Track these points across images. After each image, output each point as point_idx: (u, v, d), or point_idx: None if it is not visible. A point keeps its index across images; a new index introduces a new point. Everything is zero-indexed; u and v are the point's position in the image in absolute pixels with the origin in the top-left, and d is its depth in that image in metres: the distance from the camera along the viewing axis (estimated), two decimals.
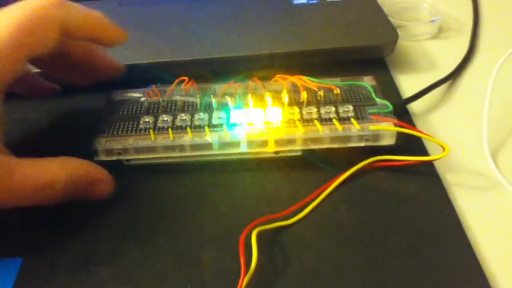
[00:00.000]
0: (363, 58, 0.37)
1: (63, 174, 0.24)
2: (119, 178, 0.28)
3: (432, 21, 0.43)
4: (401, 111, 0.34)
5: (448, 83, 0.38)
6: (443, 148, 0.28)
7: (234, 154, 0.29)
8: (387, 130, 0.28)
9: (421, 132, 0.29)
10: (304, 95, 0.30)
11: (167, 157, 0.29)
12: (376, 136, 0.29)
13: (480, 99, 0.35)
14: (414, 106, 0.36)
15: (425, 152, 0.31)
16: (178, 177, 0.30)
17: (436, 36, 0.44)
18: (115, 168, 0.28)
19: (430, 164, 0.30)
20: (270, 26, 0.40)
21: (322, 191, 0.28)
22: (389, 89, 0.36)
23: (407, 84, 0.38)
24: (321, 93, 0.30)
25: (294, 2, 0.42)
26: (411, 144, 0.30)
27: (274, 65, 0.36)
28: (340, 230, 0.26)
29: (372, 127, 0.28)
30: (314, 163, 0.30)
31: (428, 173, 0.30)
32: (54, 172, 0.24)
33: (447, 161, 0.30)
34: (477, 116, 0.34)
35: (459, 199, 0.28)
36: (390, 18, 0.41)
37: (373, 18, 0.40)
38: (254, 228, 0.25)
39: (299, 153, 0.29)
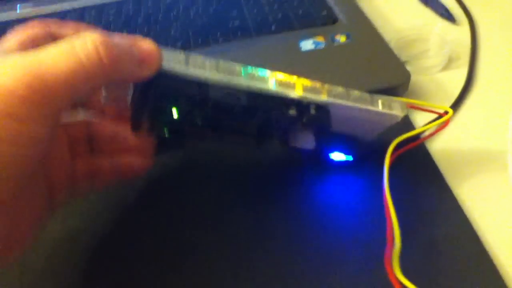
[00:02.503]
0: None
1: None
2: None
3: (441, 54, 0.43)
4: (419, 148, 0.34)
5: (460, 113, 0.38)
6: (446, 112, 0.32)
7: (262, 89, 0.27)
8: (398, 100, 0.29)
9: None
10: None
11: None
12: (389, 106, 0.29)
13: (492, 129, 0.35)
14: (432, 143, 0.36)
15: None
16: None
17: (447, 66, 0.44)
18: None
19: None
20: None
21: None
22: (405, 126, 0.37)
23: (423, 119, 0.38)
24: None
25: (302, 49, 0.42)
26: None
27: None
28: None
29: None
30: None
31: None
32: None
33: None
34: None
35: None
36: (398, 54, 0.41)
37: (382, 58, 0.40)
38: None
39: (322, 101, 0.28)
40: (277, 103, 0.28)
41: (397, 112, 0.29)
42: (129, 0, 0.54)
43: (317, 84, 0.28)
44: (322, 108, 0.28)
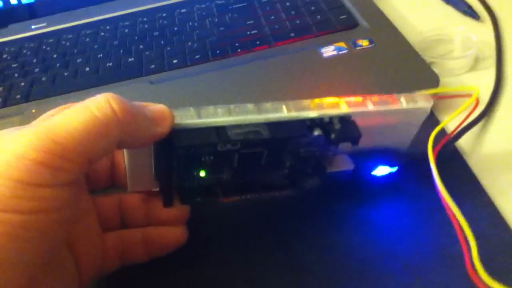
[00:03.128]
0: None
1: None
2: None
3: (467, 54, 0.42)
4: (450, 150, 0.33)
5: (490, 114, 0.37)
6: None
7: (279, 118, 0.26)
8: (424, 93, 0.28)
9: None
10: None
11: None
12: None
13: None
14: (462, 143, 0.35)
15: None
16: None
17: (474, 67, 0.42)
18: None
19: None
20: (301, 82, 0.39)
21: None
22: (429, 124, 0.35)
23: (452, 122, 0.37)
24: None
25: (324, 55, 0.41)
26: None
27: None
28: None
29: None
30: None
31: None
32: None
33: None
34: None
35: None
36: (422, 55, 0.40)
37: (409, 61, 0.39)
38: None
39: (344, 113, 0.27)
40: (299, 128, 0.27)
41: (423, 104, 0.28)
42: (142, 13, 0.54)
43: (333, 99, 0.27)
44: (346, 120, 0.27)
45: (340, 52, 0.42)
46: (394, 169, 0.31)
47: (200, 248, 0.30)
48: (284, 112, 0.27)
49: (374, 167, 0.31)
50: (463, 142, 0.35)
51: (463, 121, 0.34)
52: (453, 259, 0.27)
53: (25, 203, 0.20)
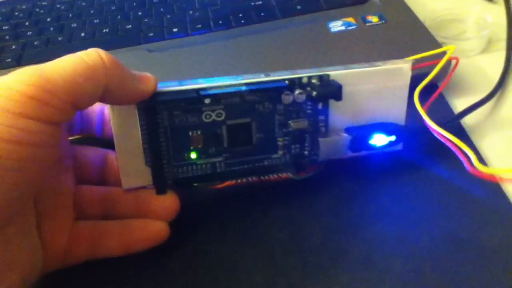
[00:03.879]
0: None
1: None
2: None
3: (481, 36, 0.40)
4: (454, 126, 0.33)
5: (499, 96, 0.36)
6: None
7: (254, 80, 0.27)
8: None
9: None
10: None
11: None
12: None
13: None
14: (468, 121, 0.34)
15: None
16: None
17: (487, 49, 0.41)
18: None
19: None
20: (306, 56, 0.38)
21: None
22: (441, 107, 0.35)
23: (460, 102, 0.35)
24: None
25: (332, 30, 0.40)
26: None
27: None
28: None
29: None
30: None
31: None
32: None
33: None
34: None
35: None
36: (434, 34, 0.38)
37: (420, 40, 0.37)
38: None
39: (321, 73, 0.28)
40: (278, 82, 0.27)
41: (401, 64, 0.29)
42: None
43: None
44: (325, 79, 0.27)
45: (349, 28, 0.40)
46: (392, 138, 0.29)
47: (189, 236, 0.29)
48: (263, 77, 0.27)
49: (370, 134, 0.29)
50: (469, 122, 0.34)
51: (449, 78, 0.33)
52: (463, 244, 0.26)
53: (6, 130, 0.20)
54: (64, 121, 0.22)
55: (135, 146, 0.27)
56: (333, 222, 0.28)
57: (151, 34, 0.42)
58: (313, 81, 0.27)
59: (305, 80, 0.27)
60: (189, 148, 0.27)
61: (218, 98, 0.26)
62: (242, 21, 0.42)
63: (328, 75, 0.28)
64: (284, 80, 0.27)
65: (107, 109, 0.29)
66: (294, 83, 0.27)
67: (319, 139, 0.28)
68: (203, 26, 0.42)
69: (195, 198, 0.30)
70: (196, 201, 0.30)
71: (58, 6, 0.48)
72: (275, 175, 0.29)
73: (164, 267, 0.27)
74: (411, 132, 0.30)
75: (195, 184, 0.28)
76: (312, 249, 0.27)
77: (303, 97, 0.27)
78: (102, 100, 0.24)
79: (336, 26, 0.40)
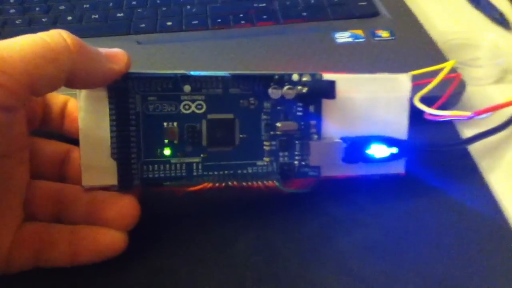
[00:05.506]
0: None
1: None
2: None
3: (495, 64, 0.37)
4: (461, 151, 0.31)
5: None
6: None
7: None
8: None
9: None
10: None
11: None
12: None
13: None
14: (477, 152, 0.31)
15: None
16: None
17: (501, 79, 0.38)
18: None
19: None
20: (306, 63, 0.34)
21: None
22: (449, 133, 0.32)
23: (471, 132, 0.32)
24: None
25: (337, 40, 0.37)
26: None
27: None
28: None
29: None
30: None
31: None
32: None
33: None
34: None
35: None
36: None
37: (431, 62, 0.34)
38: None
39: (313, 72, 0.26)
40: (265, 75, 0.25)
41: (400, 76, 0.26)
42: None
43: None
44: (317, 77, 0.25)
45: (356, 40, 0.37)
46: (394, 150, 0.26)
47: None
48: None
49: (368, 143, 0.26)
50: (478, 152, 0.31)
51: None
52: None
53: None
54: (20, 107, 0.20)
55: (102, 137, 0.23)
56: (316, 252, 0.25)
57: (143, 25, 0.39)
58: (304, 79, 0.25)
59: (295, 77, 0.25)
60: (163, 142, 0.24)
61: (199, 85, 0.24)
62: (242, 22, 0.39)
63: (320, 75, 0.25)
64: (273, 74, 0.25)
65: (72, 102, 0.25)
66: (284, 79, 0.25)
67: (310, 142, 0.25)
68: (200, 22, 0.39)
69: (161, 202, 0.27)
70: (162, 207, 0.27)
71: None
72: (258, 182, 0.25)
73: (116, 286, 0.23)
74: (415, 148, 0.27)
75: (166, 183, 0.24)
76: (288, 280, 0.23)
77: (293, 93, 0.25)
78: (68, 85, 0.21)
79: (343, 37, 0.37)
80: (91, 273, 0.23)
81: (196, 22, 0.39)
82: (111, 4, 0.42)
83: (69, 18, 0.40)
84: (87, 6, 0.42)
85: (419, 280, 0.23)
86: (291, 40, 0.37)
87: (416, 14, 0.40)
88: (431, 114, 0.26)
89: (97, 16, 0.40)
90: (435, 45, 0.36)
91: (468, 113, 0.25)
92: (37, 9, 0.42)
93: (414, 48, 0.36)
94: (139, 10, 0.41)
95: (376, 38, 0.37)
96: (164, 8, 0.41)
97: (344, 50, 0.36)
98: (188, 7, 0.41)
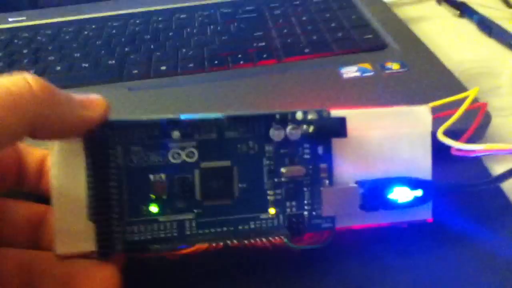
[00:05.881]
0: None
1: None
2: None
3: None
4: (493, 190, 0.27)
5: None
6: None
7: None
8: None
9: None
10: None
11: None
12: None
13: None
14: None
15: None
16: None
17: None
18: None
19: None
20: (311, 102, 0.31)
21: None
22: (478, 171, 0.29)
23: (501, 168, 0.29)
24: None
25: (344, 76, 0.34)
26: None
27: None
28: None
29: None
30: None
31: None
32: None
33: None
34: None
35: None
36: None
37: (450, 93, 0.31)
38: None
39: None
40: (264, 115, 0.21)
41: (418, 108, 0.23)
42: (135, 15, 0.46)
43: None
44: (324, 114, 0.22)
45: (365, 74, 0.34)
46: (419, 193, 0.23)
47: None
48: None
49: (388, 187, 0.22)
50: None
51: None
52: None
53: None
54: None
55: (78, 196, 0.20)
56: None
57: (135, 71, 0.37)
58: (310, 117, 0.22)
59: (299, 115, 0.22)
60: (149, 198, 0.20)
61: (190, 130, 0.21)
62: (241, 62, 0.37)
63: (328, 111, 0.22)
64: (273, 113, 0.22)
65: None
66: (286, 118, 0.21)
67: (321, 188, 0.22)
68: (196, 65, 0.37)
69: (148, 270, 0.23)
70: (149, 275, 0.23)
71: (39, 38, 0.43)
72: (263, 239, 0.21)
73: None
74: (443, 189, 0.23)
75: (153, 248, 0.21)
76: None
77: (298, 133, 0.21)
78: (35, 135, 0.18)
79: (350, 72, 0.34)
80: None
81: (191, 65, 0.37)
82: (103, 51, 0.40)
83: (58, 68, 0.38)
84: (78, 55, 0.40)
85: None
86: (295, 78, 0.34)
87: (427, 45, 0.38)
88: (461, 150, 0.22)
89: (87, 65, 0.38)
90: (452, 74, 0.33)
91: (509, 146, 0.21)
92: (25, 61, 0.40)
93: (429, 78, 0.33)
94: (132, 56, 0.39)
95: (387, 71, 0.34)
96: (158, 53, 0.39)
97: (352, 85, 0.33)
98: (184, 50, 0.39)
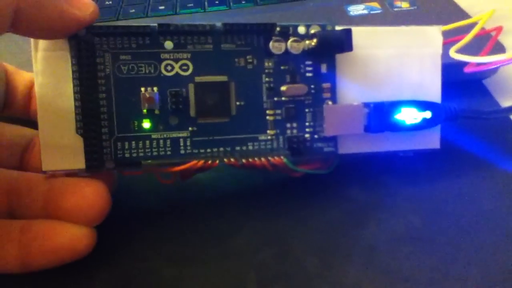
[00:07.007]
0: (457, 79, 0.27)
1: None
2: None
3: None
4: (506, 123, 0.26)
5: None
6: None
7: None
8: None
9: None
10: None
11: None
12: None
13: None
14: None
15: None
16: None
17: None
18: None
19: None
20: None
21: None
22: (487, 103, 0.27)
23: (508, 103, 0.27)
24: None
25: (351, 13, 0.32)
26: None
27: None
28: None
29: None
30: None
31: None
32: None
33: None
34: None
35: None
36: None
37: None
38: None
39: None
40: (264, 24, 0.20)
41: (429, 28, 0.22)
42: None
43: None
44: (327, 27, 0.21)
45: (372, 12, 0.32)
46: (427, 114, 0.21)
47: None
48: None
49: (395, 108, 0.21)
50: None
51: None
52: None
53: None
54: None
55: (65, 107, 0.19)
56: (335, 246, 0.20)
57: (132, 10, 0.35)
58: (313, 30, 0.20)
59: (301, 29, 0.20)
60: (141, 112, 0.19)
61: (184, 40, 0.19)
62: (243, 2, 0.35)
63: (333, 26, 0.21)
64: (274, 24, 0.20)
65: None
66: (288, 31, 0.20)
67: (324, 105, 0.20)
68: (195, 4, 0.35)
69: (139, 188, 0.22)
70: (140, 193, 0.22)
71: None
72: (262, 158, 0.20)
73: None
74: (452, 113, 0.22)
75: (146, 162, 0.20)
76: (304, 281, 0.18)
77: (300, 47, 0.20)
78: (15, 28, 0.17)
79: (357, 9, 0.32)
80: (45, 281, 0.18)
81: (191, 4, 0.35)
82: None
83: None
84: None
85: (479, 276, 0.18)
86: (301, 15, 0.33)
87: None
88: (479, 64, 0.20)
89: None
90: (464, 12, 0.31)
91: None
92: None
93: (439, 17, 0.31)
94: None
95: (395, 9, 0.32)
96: None
97: (359, 21, 0.31)
98: None
